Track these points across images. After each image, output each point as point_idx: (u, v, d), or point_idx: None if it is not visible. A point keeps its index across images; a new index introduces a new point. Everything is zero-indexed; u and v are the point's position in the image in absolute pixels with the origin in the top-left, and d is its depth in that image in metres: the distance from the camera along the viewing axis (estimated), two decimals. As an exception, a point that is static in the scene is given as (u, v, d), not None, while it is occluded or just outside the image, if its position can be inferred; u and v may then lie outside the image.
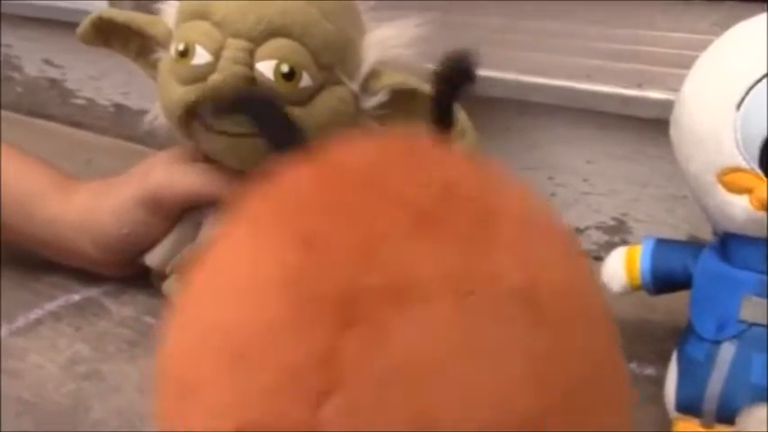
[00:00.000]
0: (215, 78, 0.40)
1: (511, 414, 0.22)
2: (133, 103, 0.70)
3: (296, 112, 0.41)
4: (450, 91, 0.31)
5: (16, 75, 0.77)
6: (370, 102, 0.44)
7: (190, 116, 0.42)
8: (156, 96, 0.65)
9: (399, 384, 0.22)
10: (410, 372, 0.22)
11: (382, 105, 0.44)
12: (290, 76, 0.40)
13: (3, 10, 0.72)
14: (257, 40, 0.40)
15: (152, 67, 0.48)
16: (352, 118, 0.44)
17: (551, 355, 0.23)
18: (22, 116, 0.78)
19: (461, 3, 0.58)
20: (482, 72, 0.49)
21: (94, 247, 0.49)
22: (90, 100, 0.73)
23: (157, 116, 0.49)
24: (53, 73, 0.74)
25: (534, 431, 0.22)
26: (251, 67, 0.40)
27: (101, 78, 0.71)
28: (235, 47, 0.40)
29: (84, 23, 0.49)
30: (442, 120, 0.31)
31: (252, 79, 0.40)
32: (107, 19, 0.48)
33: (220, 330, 0.24)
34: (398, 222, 0.24)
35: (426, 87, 0.43)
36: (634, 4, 0.56)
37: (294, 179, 0.28)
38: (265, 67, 0.40)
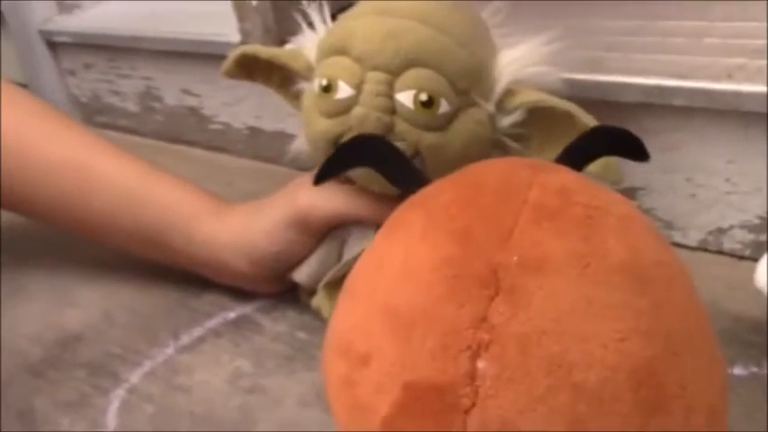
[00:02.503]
0: (358, 111, 0.42)
1: (627, 357, 0.27)
2: (266, 125, 0.73)
3: (435, 137, 0.43)
4: (607, 152, 0.36)
5: (158, 105, 0.82)
6: (507, 121, 0.44)
7: (334, 146, 0.44)
8: (289, 118, 0.69)
9: (538, 338, 0.27)
10: (546, 327, 0.27)
11: (519, 124, 0.45)
12: (429, 103, 0.42)
13: (144, 45, 0.77)
14: (395, 71, 0.42)
15: (294, 97, 0.50)
16: (488, 138, 0.45)
17: (653, 313, 0.28)
18: (165, 143, 0.83)
19: (591, 8, 0.58)
20: (615, 78, 0.49)
21: (249, 265, 0.52)
22: (226, 125, 0.77)
23: (302, 144, 0.51)
24: (191, 101, 0.78)
25: (645, 374, 0.27)
26: (391, 97, 0.42)
27: (235, 104, 0.75)
28: (375, 80, 0.42)
29: (228, 60, 0.52)
30: (577, 162, 0.36)
31: (392, 109, 0.42)
32: (251, 55, 0.51)
33: (391, 308, 0.30)
34: (525, 216, 0.30)
35: (563, 104, 0.44)
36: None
37: (435, 193, 0.34)
38: (405, 97, 0.42)
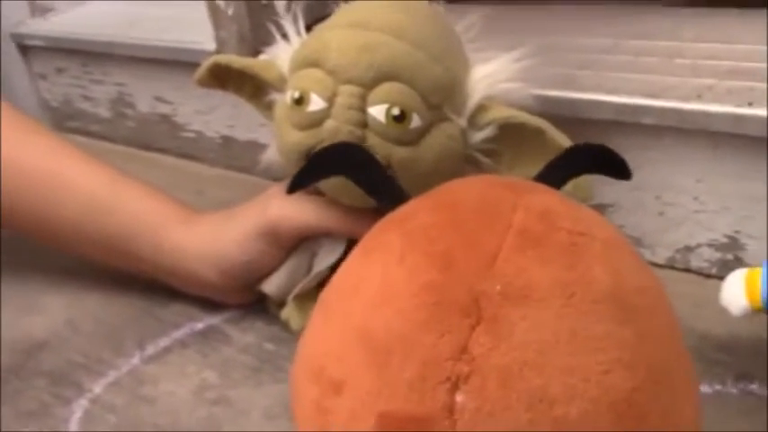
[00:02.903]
0: (330, 124, 0.42)
1: (609, 390, 0.27)
2: (239, 134, 0.73)
3: (407, 151, 0.42)
4: (585, 171, 0.36)
5: (130, 111, 0.81)
6: (478, 136, 0.45)
7: (305, 159, 0.44)
8: (262, 127, 0.68)
9: (520, 370, 0.27)
10: (528, 359, 0.27)
11: (490, 140, 0.45)
12: (401, 118, 0.42)
13: (117, 51, 0.77)
14: (368, 85, 0.42)
15: (266, 108, 0.50)
16: (460, 153, 0.45)
17: (636, 344, 0.28)
18: (136, 150, 0.82)
19: (565, 25, 0.58)
20: (587, 95, 0.50)
21: (218, 275, 0.51)
22: (199, 133, 0.76)
23: (273, 154, 0.51)
24: (164, 109, 0.78)
25: (626, 406, 0.27)
26: (363, 111, 0.42)
27: (208, 112, 0.74)
28: (348, 93, 0.42)
29: (201, 69, 0.52)
30: (558, 180, 0.36)
31: (364, 123, 0.42)
32: (224, 65, 0.51)
33: (368, 334, 0.29)
34: (509, 241, 0.29)
35: (534, 120, 0.44)
36: (742, 20, 0.55)
37: (414, 212, 0.33)
38: (377, 111, 0.42)
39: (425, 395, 0.27)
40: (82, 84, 0.84)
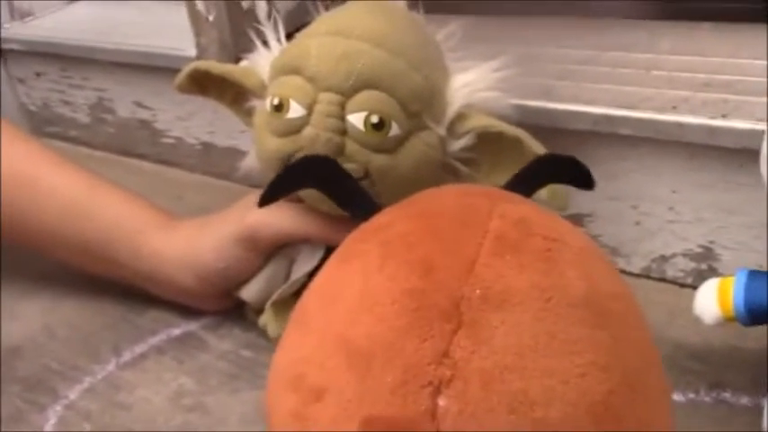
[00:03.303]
0: (309, 131, 0.42)
1: (586, 394, 0.28)
2: (219, 141, 0.73)
3: (385, 159, 0.43)
4: (555, 179, 0.37)
5: (109, 116, 0.81)
6: (457, 145, 0.45)
7: (284, 165, 0.44)
8: (242, 134, 0.68)
9: (501, 374, 0.27)
10: (509, 363, 0.27)
11: (469, 148, 0.45)
12: (380, 126, 0.42)
13: (97, 56, 0.76)
14: (347, 93, 0.42)
15: (246, 114, 0.50)
16: (439, 161, 0.45)
17: (611, 347, 0.29)
18: (116, 155, 0.82)
19: (544, 36, 0.59)
20: (564, 106, 0.50)
21: (195, 281, 0.51)
22: (179, 139, 0.76)
23: (253, 161, 0.51)
24: (144, 114, 0.77)
25: (603, 408, 0.28)
26: (342, 118, 0.42)
27: (188, 119, 0.74)
28: (327, 100, 0.42)
29: (181, 75, 0.52)
30: (526, 189, 0.37)
31: (343, 130, 0.42)
32: (203, 71, 0.51)
33: (349, 341, 0.29)
34: (487, 247, 0.30)
35: (512, 130, 0.44)
36: (717, 33, 0.56)
37: (390, 222, 0.33)
38: (356, 119, 0.42)
39: (408, 399, 0.27)
40: (61, 88, 0.83)
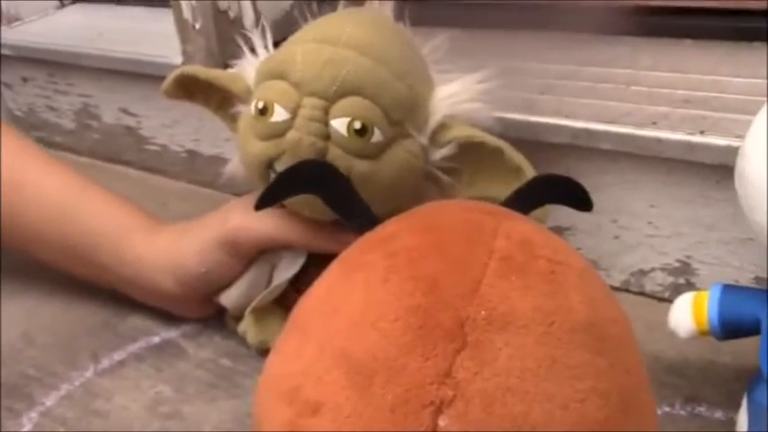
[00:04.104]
0: (292, 135, 0.42)
1: (584, 420, 0.28)
2: (204, 149, 0.73)
3: (367, 165, 0.43)
4: (550, 200, 0.37)
5: (95, 123, 0.81)
6: (439, 154, 0.45)
7: (267, 169, 0.44)
8: (226, 142, 0.68)
9: (503, 396, 0.27)
10: (511, 385, 0.27)
11: (450, 158, 0.45)
12: (363, 132, 0.42)
13: (83, 62, 0.76)
14: (332, 98, 0.42)
15: (232, 120, 0.50)
16: (421, 169, 0.45)
17: (609, 373, 0.29)
18: (100, 162, 0.81)
19: (527, 50, 0.59)
20: (546, 119, 0.51)
21: (177, 285, 0.51)
22: (163, 146, 0.76)
23: (236, 167, 0.51)
24: (129, 121, 0.77)
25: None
26: (326, 123, 0.42)
27: (174, 126, 0.74)
28: (311, 105, 0.42)
29: (168, 80, 0.52)
30: (524, 207, 0.37)
31: (327, 135, 0.42)
32: (190, 75, 0.51)
33: (349, 355, 0.29)
34: (492, 267, 0.30)
35: (494, 141, 0.45)
36: (697, 50, 0.57)
37: (395, 233, 0.33)
38: (339, 124, 0.42)
39: (408, 418, 0.27)
40: (47, 94, 0.83)
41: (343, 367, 0.28)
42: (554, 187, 0.39)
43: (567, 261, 0.31)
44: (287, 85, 0.43)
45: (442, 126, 0.45)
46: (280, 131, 0.43)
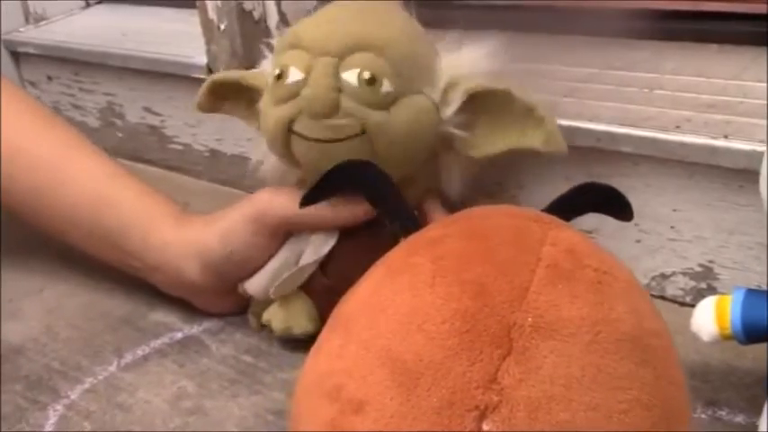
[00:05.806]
0: (307, 91, 0.45)
1: (628, 429, 0.28)
2: (227, 148, 0.74)
3: (380, 115, 0.45)
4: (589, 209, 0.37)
5: (119, 121, 0.82)
6: (450, 109, 0.47)
7: (287, 132, 0.46)
8: (249, 142, 0.69)
9: (547, 404, 0.27)
10: (556, 393, 0.27)
11: (462, 110, 0.47)
12: (372, 81, 0.44)
13: (108, 62, 0.77)
14: (342, 55, 0.45)
15: (258, 119, 0.51)
16: (434, 127, 0.47)
17: (653, 385, 0.29)
18: (124, 160, 0.82)
19: (550, 53, 0.60)
20: (569, 122, 0.51)
21: (201, 273, 0.52)
22: (187, 145, 0.77)
23: (260, 162, 0.52)
24: (153, 120, 0.78)
25: None
26: (338, 78, 0.45)
27: (197, 125, 0.75)
28: (323, 63, 0.45)
29: (201, 92, 0.53)
30: (565, 215, 0.37)
31: (339, 88, 0.44)
32: (219, 82, 0.52)
33: (395, 356, 0.29)
34: (540, 274, 0.30)
35: (502, 85, 0.46)
36: (721, 54, 0.57)
37: (442, 237, 0.33)
38: (350, 76, 0.44)
39: (453, 422, 0.27)
40: (72, 92, 0.84)
41: (388, 367, 0.29)
42: (596, 195, 0.39)
43: (612, 271, 0.31)
44: (299, 51, 0.46)
45: (451, 84, 0.47)
46: (296, 92, 0.45)
